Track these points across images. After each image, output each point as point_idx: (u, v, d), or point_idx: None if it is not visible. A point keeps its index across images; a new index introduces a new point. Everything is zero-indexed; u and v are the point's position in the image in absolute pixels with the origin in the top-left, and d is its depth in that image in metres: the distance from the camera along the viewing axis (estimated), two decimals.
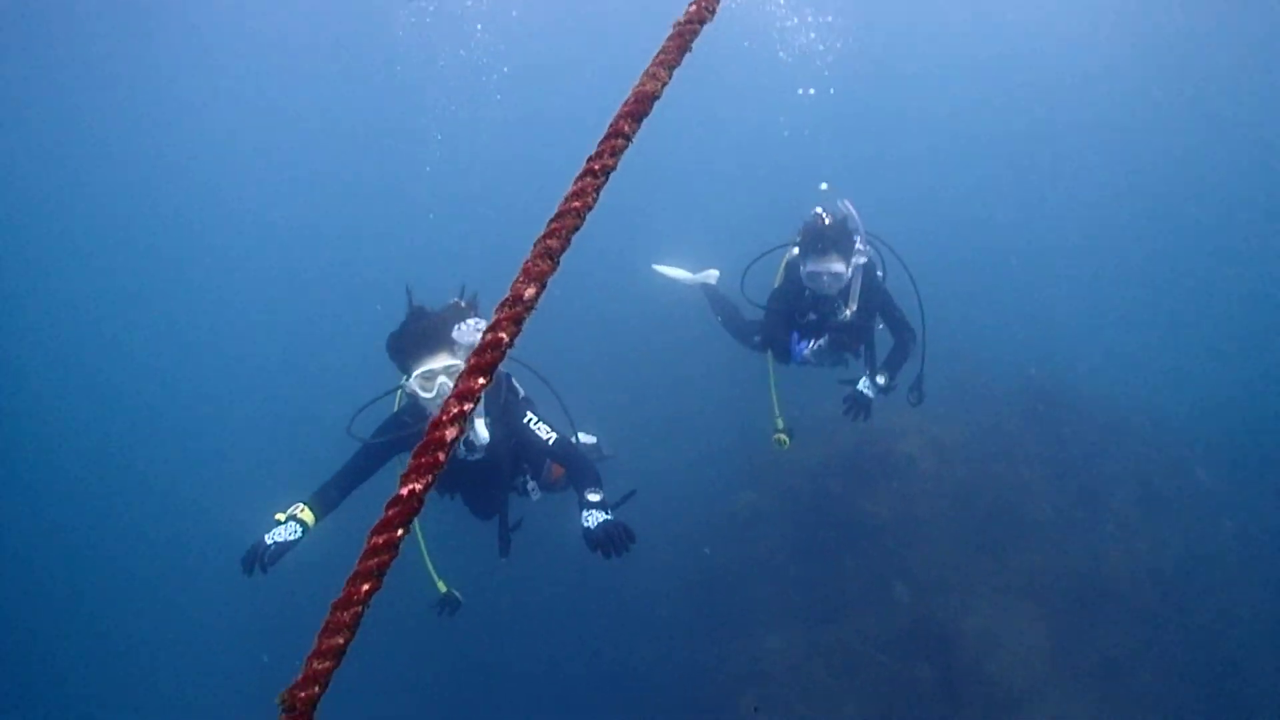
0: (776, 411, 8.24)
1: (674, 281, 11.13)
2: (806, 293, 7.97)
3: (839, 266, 7.65)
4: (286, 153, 24.24)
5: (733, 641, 10.97)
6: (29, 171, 21.88)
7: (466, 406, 1.27)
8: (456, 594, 6.93)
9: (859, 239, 7.83)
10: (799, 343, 7.98)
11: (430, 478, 1.26)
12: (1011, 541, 11.05)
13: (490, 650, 12.89)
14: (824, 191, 8.64)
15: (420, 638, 12.26)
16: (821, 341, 7.90)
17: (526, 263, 1.31)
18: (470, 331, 6.08)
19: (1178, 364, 17.20)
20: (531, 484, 6.91)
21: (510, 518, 6.86)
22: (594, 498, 5.66)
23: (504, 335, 1.28)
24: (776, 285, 8.54)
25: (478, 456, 6.37)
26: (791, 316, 8.19)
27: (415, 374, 6.02)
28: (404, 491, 1.26)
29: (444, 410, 1.27)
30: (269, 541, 5.80)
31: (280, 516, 6.00)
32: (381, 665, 12.83)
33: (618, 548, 5.29)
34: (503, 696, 12.66)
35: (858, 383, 8.00)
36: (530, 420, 6.45)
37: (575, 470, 6.21)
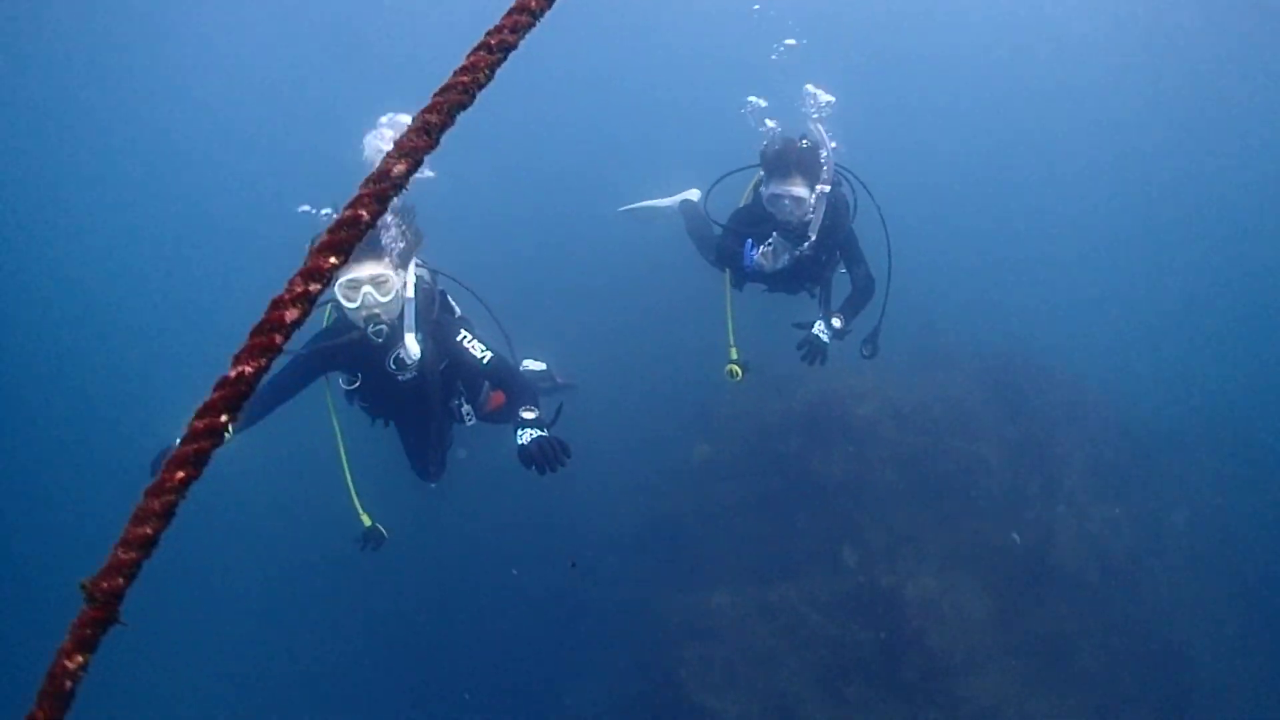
0: (731, 341, 7.84)
1: (650, 212, 10.63)
2: (768, 217, 7.57)
3: (801, 190, 7.27)
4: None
5: (678, 595, 10.90)
6: None
7: (313, 286, 1.14)
8: (381, 529, 6.73)
9: (827, 166, 7.44)
10: (751, 249, 7.53)
11: (264, 361, 1.14)
12: (962, 513, 11.01)
13: (426, 591, 12.84)
14: (789, 47, 8.28)
15: (358, 581, 12.22)
16: (772, 240, 7.43)
17: (401, 137, 1.18)
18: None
19: (1146, 351, 17.19)
20: (466, 408, 6.70)
21: (444, 441, 6.71)
22: (529, 415, 5.54)
23: (364, 213, 1.15)
24: (741, 205, 8.18)
25: (409, 376, 6.18)
26: (749, 237, 7.73)
27: (339, 282, 5.80)
28: (232, 374, 1.13)
29: (288, 288, 1.14)
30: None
31: None
32: (312, 605, 12.78)
33: (551, 463, 5.19)
34: (437, 640, 12.62)
35: (812, 326, 7.63)
36: (464, 338, 6.25)
37: (511, 390, 6.09)
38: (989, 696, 9.52)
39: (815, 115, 8.28)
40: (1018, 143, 24.14)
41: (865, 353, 8.04)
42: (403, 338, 6.00)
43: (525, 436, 5.38)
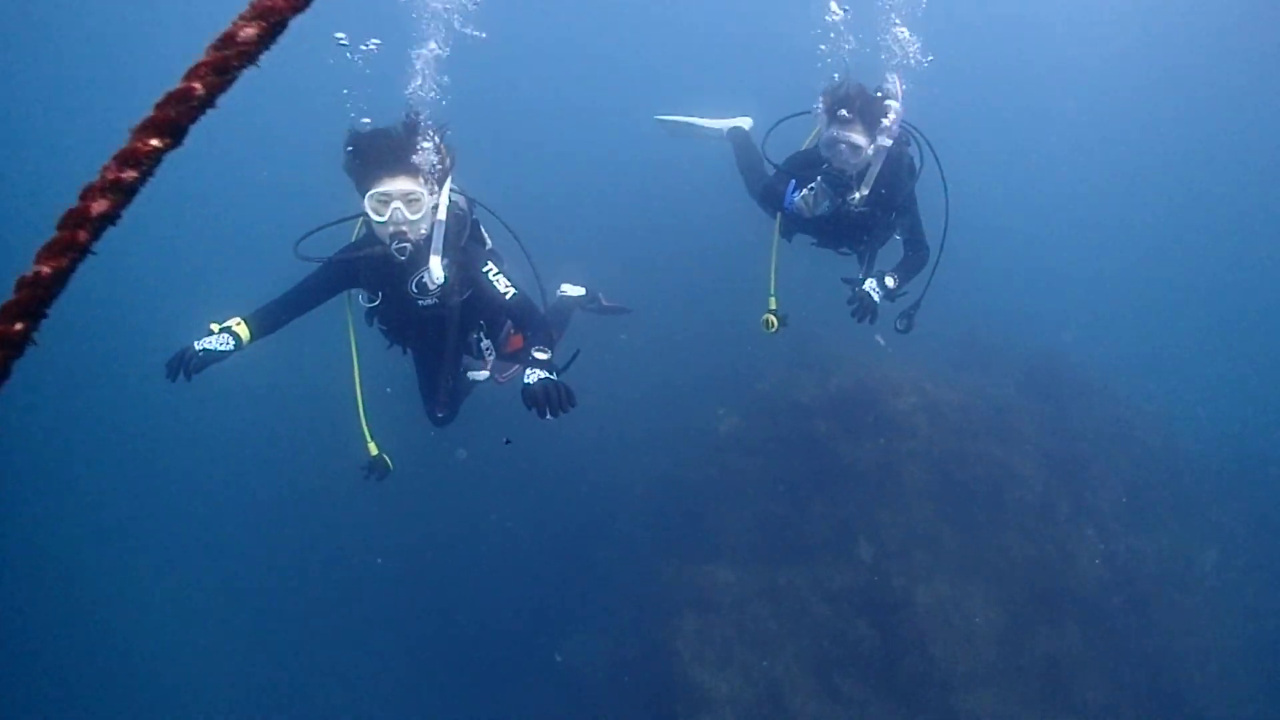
0: (771, 290, 7.50)
1: (692, 130, 9.80)
2: (824, 164, 7.19)
3: (860, 139, 6.93)
4: None
5: (685, 565, 10.71)
6: None
7: (128, 173, 0.91)
8: (387, 459, 6.54)
9: (893, 120, 7.02)
10: (793, 191, 7.27)
11: (67, 260, 0.91)
12: (986, 521, 10.71)
13: (429, 531, 12.75)
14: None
15: (360, 512, 12.11)
16: (814, 185, 7.09)
17: None
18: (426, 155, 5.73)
19: (1197, 380, 16.66)
20: (486, 342, 6.56)
21: (459, 386, 6.54)
22: (541, 356, 5.33)
23: (198, 87, 0.91)
24: (802, 148, 7.78)
25: (430, 302, 6.01)
26: (795, 179, 7.43)
27: (370, 194, 5.61)
28: (30, 274, 0.91)
29: (100, 174, 0.91)
30: (198, 348, 5.55)
31: (215, 327, 5.72)
32: (311, 534, 12.71)
33: (553, 408, 4.99)
34: (436, 581, 12.54)
35: (863, 282, 7.21)
36: (490, 270, 6.02)
37: (530, 329, 5.86)
38: (985, 714, 9.27)
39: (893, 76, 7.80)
40: (1081, 150, 23.56)
41: (900, 326, 7.64)
42: (428, 260, 5.81)
43: (532, 376, 5.16)
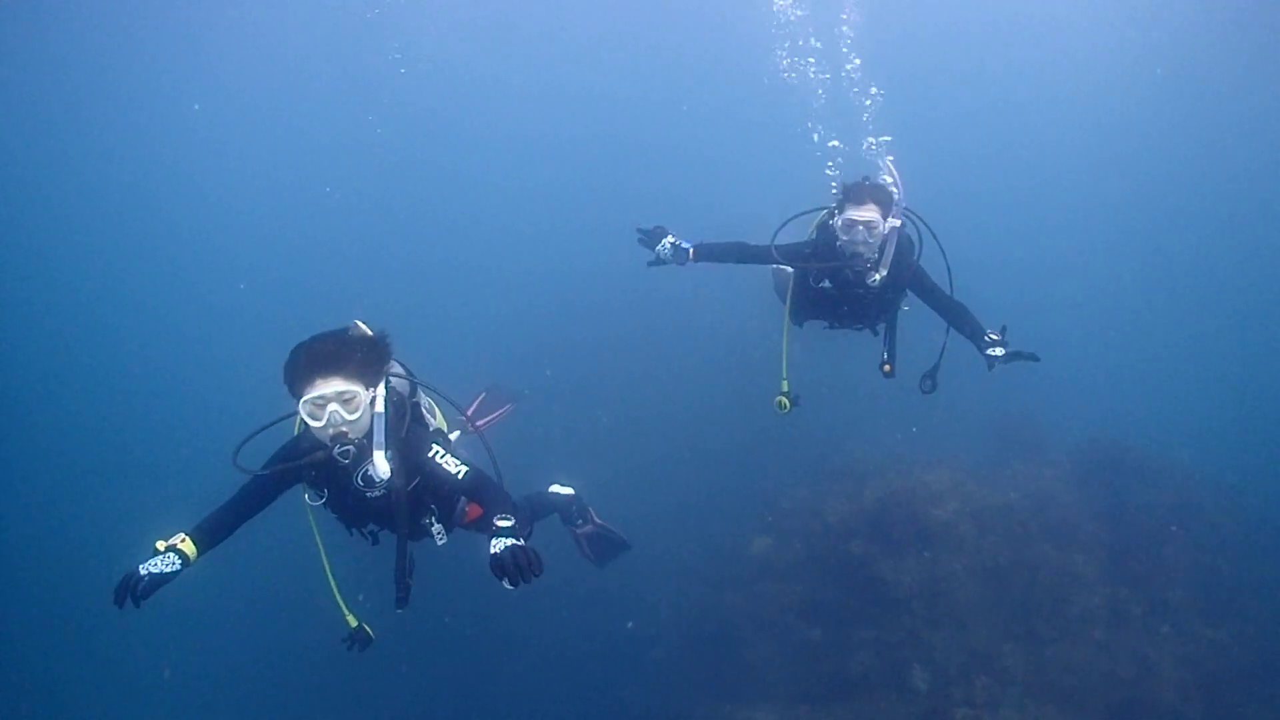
0: (784, 373, 7.79)
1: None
2: (839, 247, 7.42)
3: (874, 215, 7.23)
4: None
5: (723, 706, 10.01)
6: None
7: None
8: (367, 629, 6.28)
9: (898, 201, 7.43)
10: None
11: None
12: (1051, 634, 9.95)
13: (444, 676, 12.23)
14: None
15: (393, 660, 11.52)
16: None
17: None
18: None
19: (1259, 441, 15.70)
20: (437, 527, 6.16)
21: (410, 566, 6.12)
22: (504, 524, 4.93)
23: None
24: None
25: (377, 494, 5.66)
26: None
27: (304, 399, 5.25)
28: None
29: None
30: (143, 572, 5.19)
31: (161, 545, 5.39)
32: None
33: (524, 574, 4.60)
34: None
35: (991, 358, 7.11)
36: (437, 454, 5.68)
37: (488, 500, 5.46)
38: None
39: (888, 156, 8.28)
40: (1107, 199, 23.03)
41: (925, 389, 7.85)
42: (371, 455, 5.46)
43: (498, 545, 4.76)
